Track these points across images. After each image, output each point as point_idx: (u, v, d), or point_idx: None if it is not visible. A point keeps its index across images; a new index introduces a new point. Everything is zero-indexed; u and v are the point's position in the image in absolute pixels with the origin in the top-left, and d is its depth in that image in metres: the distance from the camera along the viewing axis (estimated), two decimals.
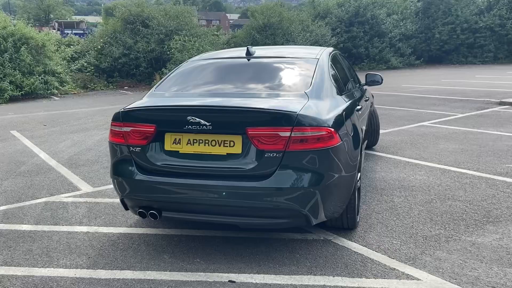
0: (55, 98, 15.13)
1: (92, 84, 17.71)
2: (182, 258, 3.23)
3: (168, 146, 3.12)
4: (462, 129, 7.59)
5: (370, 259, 3.12)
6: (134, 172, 3.19)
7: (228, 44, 21.00)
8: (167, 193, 3.13)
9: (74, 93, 16.45)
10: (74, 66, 18.34)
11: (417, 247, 3.27)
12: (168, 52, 17.83)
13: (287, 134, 2.84)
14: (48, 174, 5.54)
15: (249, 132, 2.89)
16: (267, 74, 3.69)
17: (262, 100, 3.16)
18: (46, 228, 3.84)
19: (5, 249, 3.44)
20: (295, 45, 19.96)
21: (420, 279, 2.83)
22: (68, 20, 51.70)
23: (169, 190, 3.11)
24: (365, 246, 3.32)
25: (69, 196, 4.68)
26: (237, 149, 2.96)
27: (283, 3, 23.59)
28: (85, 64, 18.56)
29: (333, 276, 2.90)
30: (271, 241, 3.46)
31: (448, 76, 18.35)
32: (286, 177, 2.88)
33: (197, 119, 2.95)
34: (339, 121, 3.15)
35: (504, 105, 10.12)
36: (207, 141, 3.03)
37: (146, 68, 18.56)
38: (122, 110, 3.25)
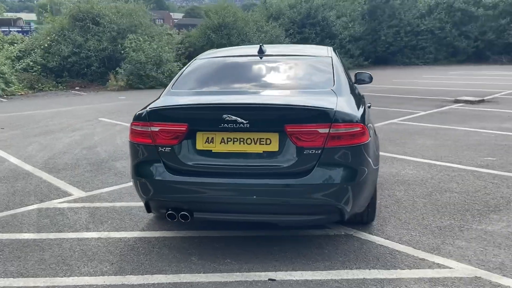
0: (2, 99, 14.16)
1: (39, 85, 16.72)
2: (211, 259, 3.16)
3: (200, 145, 3.04)
4: (430, 125, 8.01)
5: (397, 251, 3.22)
6: (163, 173, 3.08)
7: (183, 44, 20.70)
8: (200, 194, 3.05)
9: (22, 94, 15.48)
10: (19, 65, 17.24)
11: (435, 237, 3.42)
12: (122, 51, 17.25)
13: (326, 130, 2.87)
14: (29, 180, 5.18)
15: (288, 130, 2.89)
16: (287, 72, 3.71)
17: (297, 98, 3.17)
18: (51, 236, 3.61)
19: (15, 260, 3.19)
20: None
21: (452, 267, 2.96)
22: (2, 17, 48.40)
23: (202, 190, 3.04)
24: (387, 239, 3.42)
25: (62, 202, 4.41)
26: (274, 146, 2.94)
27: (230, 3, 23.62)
28: (31, 63, 17.50)
29: (369, 269, 2.96)
30: (294, 238, 3.47)
31: (397, 76, 19.24)
32: (324, 173, 2.91)
33: (234, 117, 2.89)
34: (366, 117, 3.23)
35: (459, 103, 10.79)
36: (242, 140, 2.98)
37: (98, 68, 17.85)
38: (150, 109, 3.13)
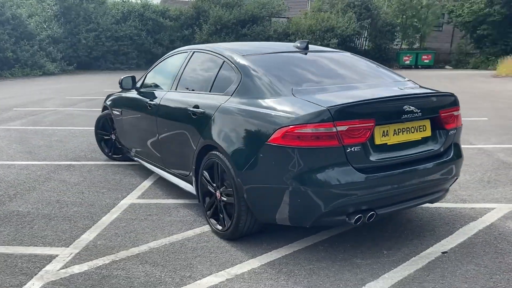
0: None
1: None
2: (370, 255, 3.13)
3: (378, 139, 2.95)
4: None
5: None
6: (354, 174, 2.80)
7: None
8: (386, 189, 2.95)
9: None
10: None
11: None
12: None
13: (458, 113, 3.38)
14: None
15: (442, 115, 3.21)
16: (353, 65, 3.80)
17: (416, 87, 3.48)
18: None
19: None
20: None
21: None
22: None
23: (388, 185, 2.96)
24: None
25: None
26: (428, 132, 3.20)
27: None
28: None
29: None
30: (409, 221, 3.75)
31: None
32: (456, 150, 3.41)
33: (412, 107, 2.98)
34: None
35: None
36: (407, 129, 3.09)
37: None
38: (333, 108, 2.74)
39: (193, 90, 3.99)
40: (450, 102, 3.35)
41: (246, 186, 3.05)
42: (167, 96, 4.21)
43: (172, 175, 4.22)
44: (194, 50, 4.24)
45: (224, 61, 3.68)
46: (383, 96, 3.12)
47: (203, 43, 16.24)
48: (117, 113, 5.32)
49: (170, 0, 35.15)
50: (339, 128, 2.74)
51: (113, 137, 5.74)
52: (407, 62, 30.44)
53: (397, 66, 30.30)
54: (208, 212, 3.56)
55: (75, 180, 4.88)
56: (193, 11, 29.82)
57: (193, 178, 3.72)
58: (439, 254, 3.13)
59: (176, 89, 4.19)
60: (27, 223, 3.66)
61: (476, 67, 28.13)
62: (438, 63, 30.94)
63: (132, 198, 4.30)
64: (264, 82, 3.25)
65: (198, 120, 3.58)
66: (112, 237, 3.41)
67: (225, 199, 3.31)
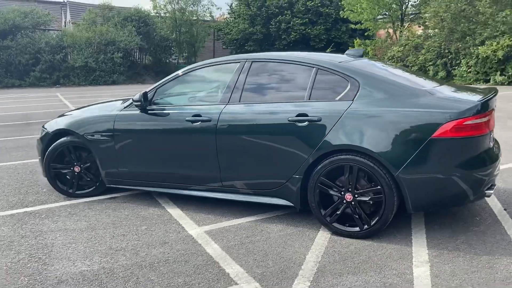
0: None
1: None
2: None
3: None
4: None
5: None
6: (492, 155, 3.45)
7: None
8: None
9: None
10: None
11: None
12: None
13: None
14: None
15: None
16: (401, 71, 4.22)
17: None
18: None
19: None
20: None
21: None
22: None
23: None
24: None
25: None
26: None
27: None
28: None
29: None
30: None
31: None
32: None
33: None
34: None
35: None
36: None
37: None
38: (481, 102, 3.25)
39: (271, 101, 3.80)
40: None
41: (406, 181, 3.22)
42: (230, 110, 3.83)
43: (232, 193, 3.94)
44: (252, 60, 3.97)
45: (318, 69, 3.66)
46: (491, 94, 3.74)
47: None
48: (105, 138, 4.33)
49: None
50: (486, 118, 3.30)
51: (76, 170, 4.59)
52: None
53: None
54: (328, 218, 3.52)
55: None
56: None
57: (295, 188, 3.61)
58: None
59: (239, 101, 3.86)
60: None
61: None
62: None
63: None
64: (394, 85, 3.47)
65: (311, 128, 3.49)
66: None
67: (365, 198, 3.38)
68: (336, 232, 3.53)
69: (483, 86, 13.76)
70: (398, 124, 3.30)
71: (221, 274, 2.98)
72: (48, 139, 4.69)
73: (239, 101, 3.87)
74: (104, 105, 4.90)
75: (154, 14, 33.31)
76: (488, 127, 3.34)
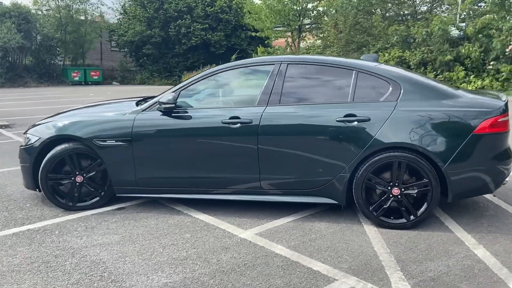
0: None
1: None
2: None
3: None
4: None
5: None
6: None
7: None
8: None
9: None
10: None
11: None
12: None
13: None
14: None
15: None
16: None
17: None
18: None
19: None
20: None
21: None
22: None
23: None
24: None
25: None
26: None
27: None
28: None
29: None
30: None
31: None
32: None
33: None
34: None
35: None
36: None
37: None
38: (506, 102, 3.77)
39: (312, 102, 3.89)
40: None
41: (451, 173, 3.59)
42: (272, 111, 3.83)
43: (270, 194, 3.96)
44: (288, 62, 4.00)
45: (358, 72, 3.86)
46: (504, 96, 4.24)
47: None
48: (121, 143, 3.96)
49: None
50: (508, 117, 3.83)
51: (78, 179, 4.12)
52: (76, 78, 29.91)
53: (68, 83, 29.24)
54: (375, 213, 3.74)
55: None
56: None
57: (341, 186, 3.78)
58: None
59: (279, 103, 3.87)
60: None
61: (143, 83, 30.89)
62: (105, 80, 31.89)
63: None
64: (430, 87, 3.82)
65: (360, 128, 3.68)
66: None
67: (412, 192, 3.67)
68: (381, 225, 3.76)
69: None
70: (442, 122, 3.66)
71: (311, 272, 3.00)
72: (41, 146, 4.12)
73: (279, 103, 3.89)
74: (111, 106, 4.48)
75: (34, 10, 30.23)
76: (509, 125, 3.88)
